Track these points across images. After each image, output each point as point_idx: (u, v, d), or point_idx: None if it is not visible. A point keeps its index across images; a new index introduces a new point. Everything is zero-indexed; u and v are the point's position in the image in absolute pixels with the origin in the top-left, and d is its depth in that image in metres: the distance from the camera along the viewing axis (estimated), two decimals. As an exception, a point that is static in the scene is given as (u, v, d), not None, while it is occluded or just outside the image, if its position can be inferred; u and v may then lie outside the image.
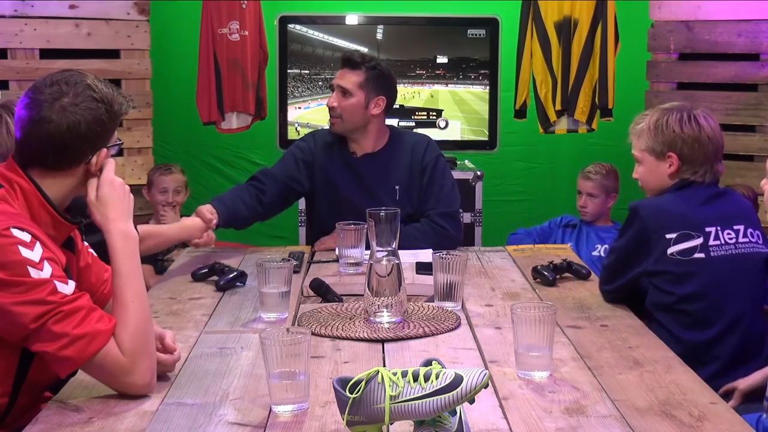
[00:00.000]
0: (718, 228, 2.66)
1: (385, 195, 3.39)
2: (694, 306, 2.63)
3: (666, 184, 2.78)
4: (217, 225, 3.21)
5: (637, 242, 2.69)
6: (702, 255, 2.63)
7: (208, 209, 3.19)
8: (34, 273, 1.80)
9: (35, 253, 1.82)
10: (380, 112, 3.41)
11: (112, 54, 4.70)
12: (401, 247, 2.47)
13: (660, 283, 2.66)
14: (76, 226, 2.05)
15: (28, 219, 1.91)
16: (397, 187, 3.41)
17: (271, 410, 1.81)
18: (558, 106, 4.90)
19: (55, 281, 1.82)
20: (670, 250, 2.64)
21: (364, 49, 4.76)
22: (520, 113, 5.00)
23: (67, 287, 1.84)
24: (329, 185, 3.45)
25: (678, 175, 2.75)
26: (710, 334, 2.61)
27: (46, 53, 4.58)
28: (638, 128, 2.80)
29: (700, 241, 2.64)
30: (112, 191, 1.97)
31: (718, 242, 2.65)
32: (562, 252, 3.28)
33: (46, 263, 1.82)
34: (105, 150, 2.00)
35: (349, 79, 3.38)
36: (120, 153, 4.29)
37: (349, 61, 3.42)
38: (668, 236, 2.65)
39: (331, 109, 3.40)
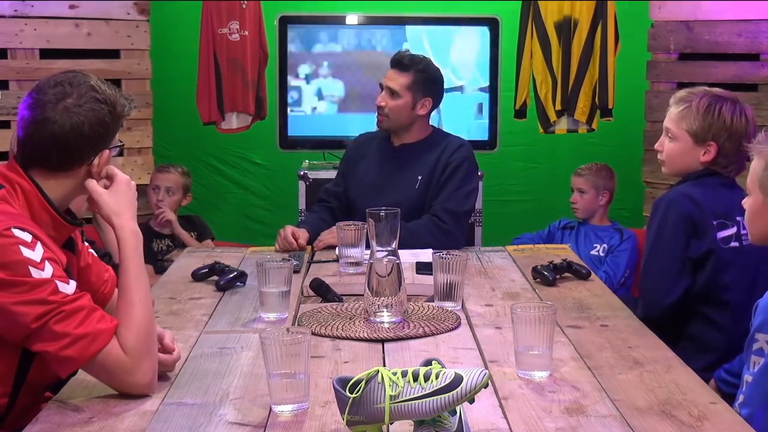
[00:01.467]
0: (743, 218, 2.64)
1: (405, 181, 3.46)
2: (731, 295, 2.60)
3: (692, 169, 2.71)
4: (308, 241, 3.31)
5: (681, 230, 2.58)
6: (737, 244, 2.60)
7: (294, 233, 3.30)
8: (35, 273, 1.80)
9: (36, 253, 1.82)
10: (426, 113, 3.50)
11: (112, 54, 4.69)
12: (402, 243, 2.47)
13: (706, 272, 2.60)
14: (76, 227, 2.05)
15: (28, 219, 1.91)
16: (419, 177, 3.46)
17: (271, 410, 1.81)
18: (558, 106, 4.90)
19: (56, 281, 1.82)
20: (718, 235, 2.59)
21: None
22: (520, 113, 5.00)
23: (68, 287, 1.84)
24: (360, 167, 3.56)
25: (708, 165, 2.70)
26: (745, 324, 2.60)
27: (46, 53, 4.57)
28: (683, 107, 2.71)
29: (734, 230, 2.60)
30: (128, 191, 2.00)
31: (746, 231, 2.63)
32: (562, 252, 3.28)
33: (47, 263, 1.83)
34: (107, 151, 2.00)
35: (398, 80, 3.45)
36: (120, 153, 4.28)
37: (399, 63, 3.48)
38: (714, 222, 2.59)
39: (378, 107, 3.48)
